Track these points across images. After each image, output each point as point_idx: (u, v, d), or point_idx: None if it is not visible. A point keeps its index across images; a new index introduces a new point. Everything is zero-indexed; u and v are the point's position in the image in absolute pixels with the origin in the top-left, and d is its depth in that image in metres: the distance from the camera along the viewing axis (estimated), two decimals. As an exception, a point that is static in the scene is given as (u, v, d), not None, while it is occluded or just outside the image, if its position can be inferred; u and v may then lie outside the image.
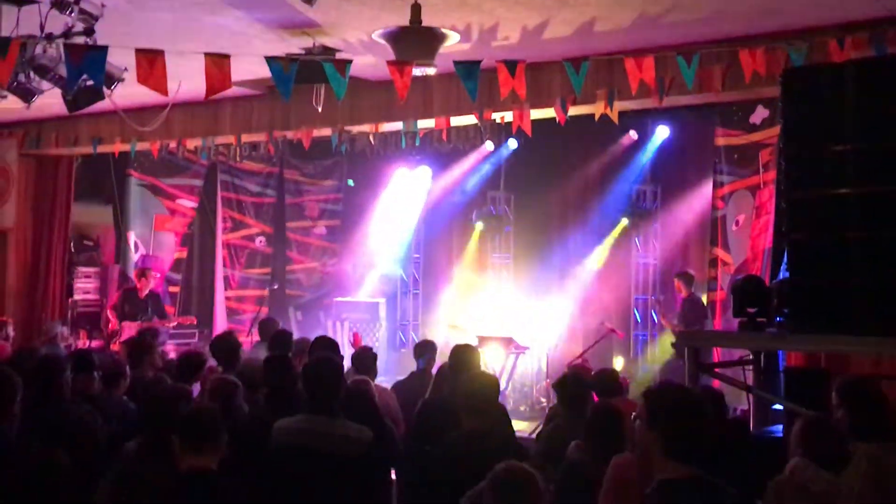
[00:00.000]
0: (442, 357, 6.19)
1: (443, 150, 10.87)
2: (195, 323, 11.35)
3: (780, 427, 5.71)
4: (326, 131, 9.53)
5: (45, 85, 6.12)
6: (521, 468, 3.06)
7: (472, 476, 3.24)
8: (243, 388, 4.91)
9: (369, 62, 7.66)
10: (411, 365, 6.86)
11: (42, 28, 5.67)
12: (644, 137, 11.54)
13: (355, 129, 9.50)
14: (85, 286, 12.12)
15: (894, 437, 3.77)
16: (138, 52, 5.51)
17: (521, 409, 10.65)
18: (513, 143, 12.00)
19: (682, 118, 10.61)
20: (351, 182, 14.10)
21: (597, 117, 8.01)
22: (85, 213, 12.60)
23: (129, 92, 6.39)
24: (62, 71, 5.84)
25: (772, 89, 6.39)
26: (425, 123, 8.95)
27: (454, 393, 4.66)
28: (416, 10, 6.14)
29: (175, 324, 10.95)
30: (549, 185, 12.20)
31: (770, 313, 5.59)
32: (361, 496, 4.10)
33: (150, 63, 5.50)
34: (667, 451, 2.81)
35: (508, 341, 10.47)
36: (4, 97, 6.51)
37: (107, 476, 3.98)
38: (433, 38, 6.38)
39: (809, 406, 4.79)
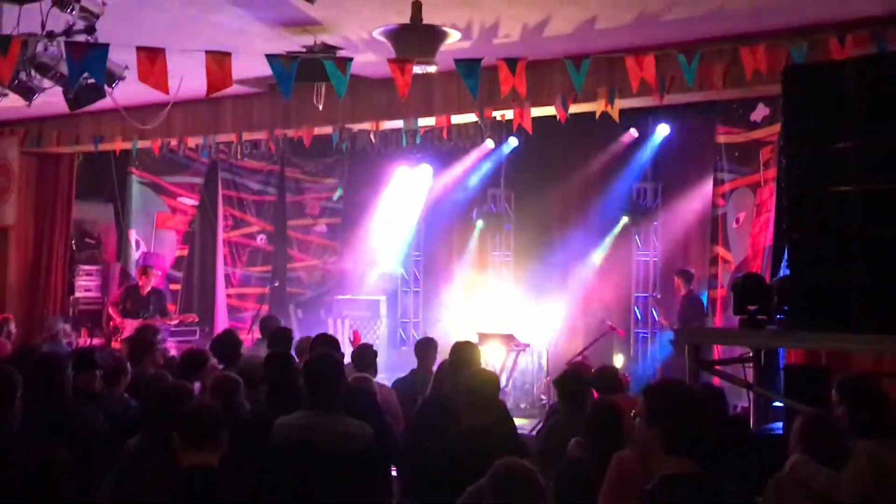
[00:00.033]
0: (442, 355, 6.19)
1: (443, 148, 10.87)
2: (196, 320, 11.38)
3: (781, 424, 5.72)
4: (327, 129, 9.54)
5: (47, 83, 6.12)
6: (522, 464, 3.07)
7: (473, 473, 3.25)
8: (244, 386, 4.92)
9: (370, 60, 7.66)
10: (412, 362, 6.86)
11: (43, 26, 5.67)
12: (645, 135, 11.55)
13: (356, 127, 9.51)
14: (86, 284, 12.13)
15: (895, 434, 3.78)
16: (139, 50, 5.52)
17: (522, 406, 10.66)
18: (513, 141, 12.01)
19: (683, 116, 10.62)
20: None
21: (597, 115, 8.01)
22: (86, 211, 12.61)
23: (130, 90, 6.39)
24: (63, 69, 5.84)
25: (773, 87, 6.38)
26: (426, 121, 8.95)
27: (455, 390, 4.67)
28: (416, 7, 6.14)
29: (176, 321, 10.98)
30: (549, 183, 12.19)
31: (770, 311, 5.58)
32: (362, 493, 4.11)
33: (151, 61, 5.51)
34: (667, 448, 2.81)
35: (509, 339, 10.48)
36: (6, 95, 6.51)
37: (108, 473, 3.99)
38: (434, 36, 6.38)
39: (810, 403, 4.78)
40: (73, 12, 5.53)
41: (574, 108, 7.91)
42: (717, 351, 8.61)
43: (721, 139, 9.92)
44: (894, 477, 3.60)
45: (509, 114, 8.26)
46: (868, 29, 6.42)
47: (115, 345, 9.62)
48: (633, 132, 11.56)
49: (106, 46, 5.50)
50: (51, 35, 5.74)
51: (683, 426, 2.81)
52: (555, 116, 8.04)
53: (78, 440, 4.08)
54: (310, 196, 14.12)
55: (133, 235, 12.76)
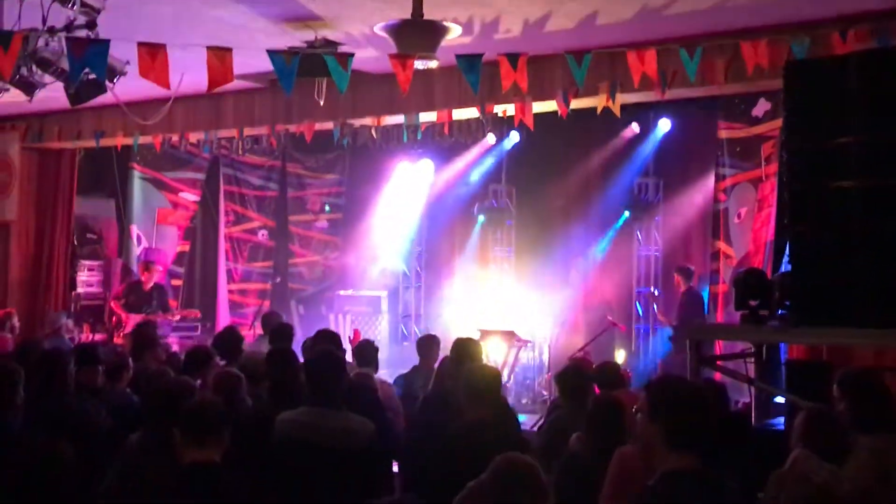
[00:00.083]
0: (444, 350, 6.20)
1: (445, 143, 10.84)
2: (198, 316, 11.38)
3: (782, 420, 5.72)
4: (328, 125, 9.53)
5: (48, 78, 6.11)
6: (523, 459, 3.06)
7: (474, 468, 3.25)
8: (246, 382, 4.92)
9: (371, 55, 7.66)
10: (413, 358, 6.86)
11: (44, 21, 5.66)
12: (646, 130, 11.52)
13: (357, 122, 9.49)
14: (88, 279, 12.13)
15: (896, 429, 3.78)
16: (140, 45, 5.51)
17: (524, 401, 10.65)
18: (515, 137, 11.98)
19: (685, 111, 10.60)
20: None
21: (599, 110, 7.99)
22: (87, 206, 12.61)
23: (131, 85, 6.38)
24: (64, 64, 5.83)
25: (774, 82, 6.38)
26: (427, 117, 8.94)
27: (456, 385, 4.67)
28: (417, 3, 6.14)
29: (178, 317, 10.99)
30: (550, 179, 12.18)
31: (772, 306, 5.58)
32: (363, 489, 4.11)
33: (153, 56, 5.51)
34: (669, 444, 2.81)
35: (510, 334, 10.48)
36: (7, 90, 6.50)
37: (110, 469, 4.00)
38: (435, 32, 6.37)
39: (811, 399, 4.78)
40: (75, 7, 5.52)
41: (575, 103, 7.90)
42: (719, 346, 8.62)
43: (723, 134, 9.90)
44: (896, 472, 3.60)
45: (510, 109, 8.25)
46: (870, 24, 6.41)
47: (118, 340, 9.64)
48: (635, 127, 11.52)
49: (107, 42, 5.50)
50: (52, 30, 5.74)
51: (685, 422, 2.81)
52: (556, 111, 8.03)
53: (80, 435, 4.08)
54: (311, 191, 14.12)
55: (134, 231, 12.77)
